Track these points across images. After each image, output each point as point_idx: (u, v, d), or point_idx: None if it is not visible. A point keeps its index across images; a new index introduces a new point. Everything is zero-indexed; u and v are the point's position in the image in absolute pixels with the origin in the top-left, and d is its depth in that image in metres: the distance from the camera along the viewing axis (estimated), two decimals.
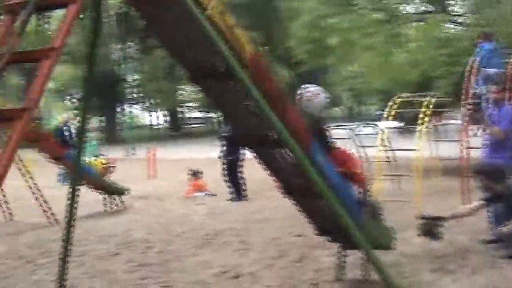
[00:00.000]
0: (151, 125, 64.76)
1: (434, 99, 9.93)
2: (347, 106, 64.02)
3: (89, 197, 11.61)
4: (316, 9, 31.00)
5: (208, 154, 24.29)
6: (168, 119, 56.94)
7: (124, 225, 8.63)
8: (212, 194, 11.55)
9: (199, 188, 11.85)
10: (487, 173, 5.93)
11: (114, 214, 9.97)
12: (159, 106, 53.00)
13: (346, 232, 5.04)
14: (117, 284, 5.39)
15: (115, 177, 16.14)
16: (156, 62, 45.30)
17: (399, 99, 10.36)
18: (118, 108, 50.24)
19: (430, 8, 21.72)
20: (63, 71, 59.43)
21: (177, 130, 46.92)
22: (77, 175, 4.75)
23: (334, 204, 4.65)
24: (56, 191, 13.64)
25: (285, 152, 4.27)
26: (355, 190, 5.07)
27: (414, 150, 8.90)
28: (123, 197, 11.21)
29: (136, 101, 56.59)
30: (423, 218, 6.12)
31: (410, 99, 10.58)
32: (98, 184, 10.22)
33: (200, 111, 70.45)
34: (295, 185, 4.66)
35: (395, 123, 19.52)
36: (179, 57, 3.77)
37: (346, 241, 5.34)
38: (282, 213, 8.56)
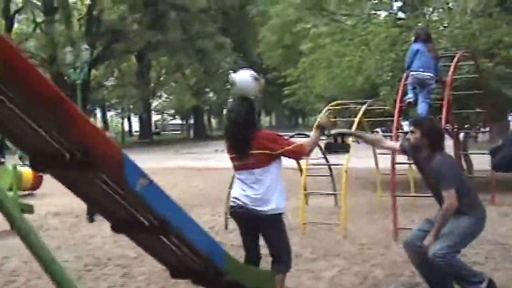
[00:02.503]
0: (129, 131, 63.94)
1: (372, 107, 8.99)
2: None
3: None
4: (286, 13, 30.29)
5: (167, 162, 23.39)
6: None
7: (10, 250, 7.51)
8: None
9: None
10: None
11: (14, 235, 8.80)
12: (131, 112, 51.98)
13: (203, 273, 4.07)
14: None
15: (44, 190, 15.07)
16: (124, 66, 44.53)
17: (335, 106, 9.34)
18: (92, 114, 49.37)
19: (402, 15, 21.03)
20: None
21: (148, 137, 45.73)
22: None
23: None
24: None
25: (96, 177, 3.21)
26: None
27: (339, 165, 7.87)
28: (37, 214, 10.24)
29: (109, 107, 55.73)
30: (325, 135, 5.31)
31: (348, 106, 9.60)
32: None
33: (177, 118, 70.02)
34: (123, 218, 3.61)
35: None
36: None
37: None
38: None
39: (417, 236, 4.76)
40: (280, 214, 4.46)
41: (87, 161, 2.97)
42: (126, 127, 64.97)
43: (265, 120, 78.14)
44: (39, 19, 38.32)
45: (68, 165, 3.10)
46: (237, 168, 4.58)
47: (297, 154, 4.50)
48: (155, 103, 58.59)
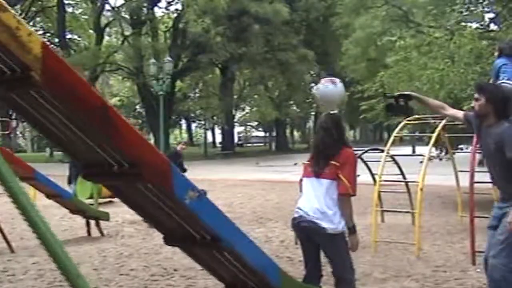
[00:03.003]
0: (212, 143, 64.92)
1: (454, 122, 8.55)
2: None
3: (79, 221, 10.78)
4: (370, 25, 29.73)
5: (247, 175, 23.46)
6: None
7: (82, 256, 7.66)
8: None
9: None
10: None
11: (90, 241, 9.04)
12: (213, 123, 52.67)
13: None
14: None
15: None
16: (208, 78, 45.25)
17: (411, 122, 8.98)
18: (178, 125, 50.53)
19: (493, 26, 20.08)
20: (123, 87, 60.33)
21: (230, 149, 46.15)
22: None
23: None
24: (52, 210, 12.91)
25: (146, 188, 3.15)
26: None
27: (415, 182, 7.51)
28: (114, 221, 10.46)
29: (193, 118, 56.85)
30: (386, 96, 5.39)
31: (427, 121, 9.18)
32: (75, 207, 9.33)
33: (260, 130, 70.43)
34: (174, 231, 3.53)
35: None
36: None
37: None
38: None
39: (488, 248, 4.47)
40: (342, 232, 4.27)
41: (134, 172, 2.93)
42: (210, 139, 66.01)
43: (349, 134, 77.23)
44: (127, 32, 39.69)
45: (117, 176, 3.06)
46: (307, 173, 4.47)
47: (343, 188, 4.22)
48: (238, 115, 59.21)
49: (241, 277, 3.77)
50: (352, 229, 4.31)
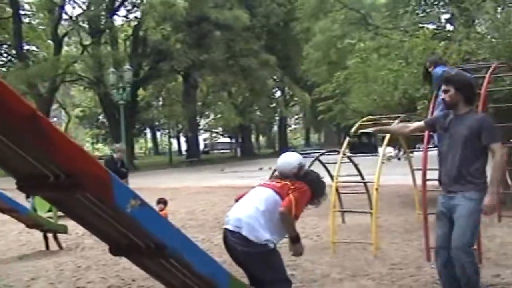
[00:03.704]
0: (178, 150, 64.62)
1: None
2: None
3: (37, 236, 10.55)
4: (330, 29, 29.95)
5: (211, 181, 23.39)
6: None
7: (39, 271, 7.53)
8: None
9: None
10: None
11: (48, 255, 8.89)
12: (177, 131, 52.49)
13: None
14: None
15: None
16: (171, 86, 45.05)
17: (366, 122, 9.06)
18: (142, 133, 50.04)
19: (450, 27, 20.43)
20: (85, 97, 59.53)
21: (196, 156, 45.91)
22: None
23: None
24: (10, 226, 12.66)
25: (86, 198, 3.10)
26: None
27: (370, 182, 7.60)
28: (74, 234, 10.28)
29: (158, 127, 56.50)
30: (350, 136, 6.17)
31: (379, 122, 9.27)
32: (31, 221, 9.16)
33: (225, 137, 70.29)
34: (120, 242, 3.49)
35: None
36: None
37: None
38: None
39: (440, 238, 4.71)
40: (267, 249, 4.17)
41: (72, 183, 2.87)
42: (176, 147, 65.72)
43: (313, 137, 77.64)
44: (86, 42, 39.28)
45: (53, 188, 2.99)
46: (259, 185, 4.51)
47: (285, 203, 4.20)
48: (203, 122, 59.11)
49: (191, 284, 3.74)
50: (295, 239, 4.29)
